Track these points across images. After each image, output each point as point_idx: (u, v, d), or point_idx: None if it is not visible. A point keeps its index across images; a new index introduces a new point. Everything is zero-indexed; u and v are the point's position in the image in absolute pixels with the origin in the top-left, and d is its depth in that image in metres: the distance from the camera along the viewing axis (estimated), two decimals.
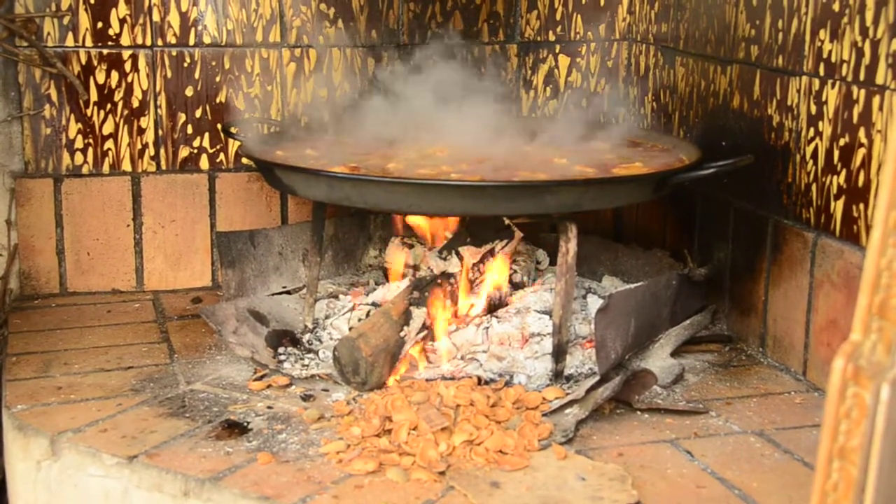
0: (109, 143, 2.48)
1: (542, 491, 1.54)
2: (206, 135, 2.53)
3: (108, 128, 2.47)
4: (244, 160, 2.52)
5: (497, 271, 2.13)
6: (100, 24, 2.42)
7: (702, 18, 2.35)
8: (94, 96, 2.45)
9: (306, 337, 2.13)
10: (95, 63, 2.44)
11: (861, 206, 1.80)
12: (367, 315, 2.06)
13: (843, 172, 1.85)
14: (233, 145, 2.53)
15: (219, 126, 2.50)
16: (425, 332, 1.99)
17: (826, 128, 1.89)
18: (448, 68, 2.42)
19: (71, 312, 2.37)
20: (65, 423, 1.77)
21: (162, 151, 2.51)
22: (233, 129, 2.30)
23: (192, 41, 2.48)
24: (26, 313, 2.36)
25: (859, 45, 1.79)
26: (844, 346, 0.98)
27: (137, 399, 1.88)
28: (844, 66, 1.83)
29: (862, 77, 1.79)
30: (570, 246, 1.88)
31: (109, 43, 2.44)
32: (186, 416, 1.81)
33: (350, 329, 2.04)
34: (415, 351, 1.97)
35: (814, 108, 1.93)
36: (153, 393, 1.91)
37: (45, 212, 2.46)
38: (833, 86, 1.87)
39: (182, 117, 2.51)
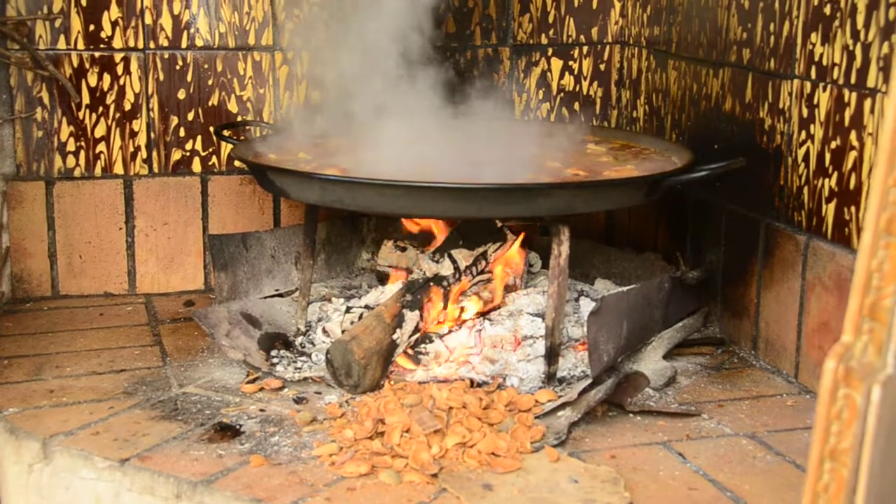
0: (101, 146, 2.47)
1: (535, 493, 1.54)
2: (199, 138, 2.53)
3: (100, 131, 2.47)
4: (237, 163, 2.52)
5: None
6: (92, 27, 2.42)
7: (694, 22, 2.35)
8: (85, 99, 2.44)
9: (299, 340, 2.13)
10: (87, 66, 2.43)
11: (853, 208, 1.81)
12: (360, 318, 2.06)
13: (835, 175, 1.85)
14: (225, 148, 2.53)
15: (211, 129, 2.50)
16: (417, 334, 1.99)
17: (818, 131, 1.90)
18: (440, 71, 2.42)
19: (63, 315, 2.37)
20: (56, 426, 1.77)
21: (154, 154, 2.51)
22: (225, 132, 2.30)
23: (184, 44, 2.48)
24: (18, 316, 2.36)
25: (850, 48, 1.79)
26: (836, 348, 0.98)
27: (129, 402, 1.88)
28: (836, 69, 1.84)
29: (853, 80, 1.79)
30: (562, 249, 1.88)
31: (101, 46, 2.44)
32: (179, 418, 1.80)
33: (343, 332, 2.04)
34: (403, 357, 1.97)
35: (805, 112, 1.94)
36: (145, 396, 1.91)
37: (36, 215, 2.45)
38: (825, 89, 1.87)
39: (174, 120, 2.51)
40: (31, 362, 2.07)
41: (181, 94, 2.50)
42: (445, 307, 2.06)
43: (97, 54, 2.44)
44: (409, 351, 2.00)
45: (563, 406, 1.79)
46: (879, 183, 0.97)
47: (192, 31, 2.48)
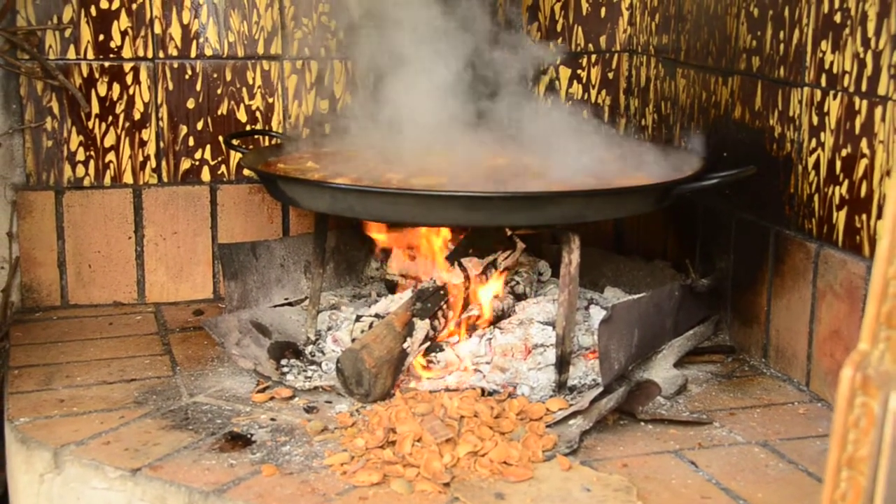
0: (111, 156, 2.48)
1: (547, 502, 1.54)
2: (208, 147, 2.53)
3: (109, 140, 2.47)
4: (246, 172, 2.53)
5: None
6: (101, 37, 2.43)
7: (703, 30, 2.35)
8: (95, 109, 2.45)
9: (309, 349, 2.13)
10: (97, 75, 2.44)
11: (864, 216, 1.81)
12: (370, 326, 2.06)
13: (846, 183, 1.85)
14: (234, 157, 2.53)
15: (220, 138, 2.51)
16: (428, 343, 1.99)
17: (828, 138, 1.90)
18: (448, 78, 2.43)
19: (72, 325, 2.37)
20: (67, 435, 1.77)
21: (163, 163, 2.51)
22: (234, 142, 2.30)
23: (193, 53, 2.49)
24: (28, 326, 2.36)
25: (861, 56, 1.79)
26: (853, 356, 0.98)
27: (140, 411, 1.88)
28: (846, 77, 1.84)
29: (864, 88, 1.79)
30: (573, 257, 1.88)
31: (111, 55, 2.44)
32: (189, 428, 1.80)
33: (353, 340, 2.04)
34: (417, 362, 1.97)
35: (816, 119, 1.93)
36: (156, 405, 1.91)
37: (46, 224, 2.46)
38: (835, 97, 1.87)
39: (183, 129, 2.51)
40: (42, 372, 2.07)
41: (190, 104, 2.50)
42: (457, 315, 2.06)
43: (107, 64, 2.44)
44: (420, 360, 1.99)
45: (574, 415, 1.79)
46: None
47: (201, 40, 2.49)
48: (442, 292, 2.05)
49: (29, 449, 1.74)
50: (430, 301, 2.01)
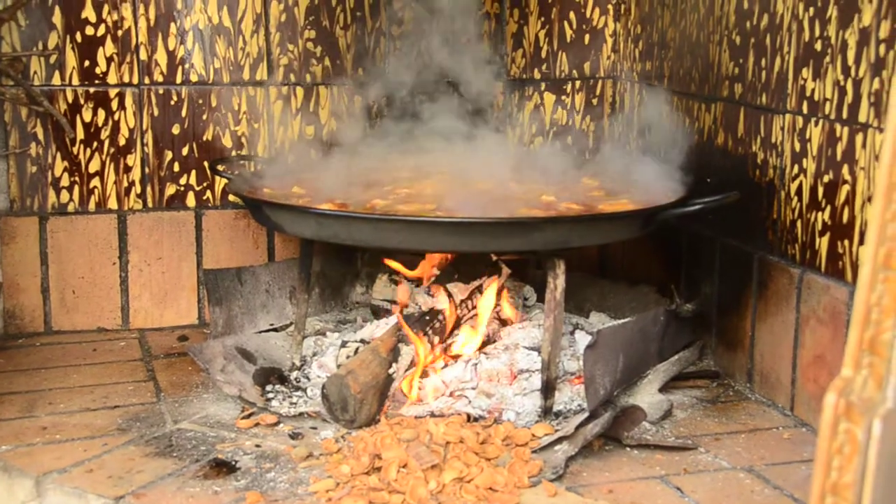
0: (95, 181, 2.47)
1: None
2: (193, 172, 2.53)
3: (94, 166, 2.47)
4: (231, 198, 2.53)
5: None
6: (87, 63, 2.43)
7: (686, 57, 2.37)
8: (80, 134, 2.45)
9: (294, 374, 2.12)
10: (82, 101, 2.44)
11: (846, 242, 1.82)
12: (355, 352, 2.05)
13: (828, 209, 1.86)
14: (219, 183, 2.53)
15: (206, 164, 2.51)
16: (413, 368, 1.99)
17: (810, 165, 1.91)
18: (433, 105, 2.44)
19: (56, 351, 2.36)
20: (50, 463, 1.75)
21: (148, 189, 2.51)
22: (220, 167, 2.30)
23: (179, 79, 2.49)
24: (10, 352, 2.34)
25: (842, 83, 1.81)
26: (836, 382, 0.98)
27: (124, 438, 1.87)
28: (827, 104, 1.85)
29: (845, 115, 1.81)
30: (558, 282, 1.89)
31: (96, 81, 2.44)
32: (174, 455, 1.79)
33: (338, 366, 2.03)
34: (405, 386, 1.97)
35: (798, 146, 1.95)
36: (140, 432, 1.90)
37: (30, 250, 2.45)
38: (816, 123, 1.89)
39: (169, 155, 2.51)
40: (24, 399, 2.05)
41: (175, 129, 2.50)
42: (442, 341, 2.06)
43: (92, 90, 2.44)
44: (406, 385, 1.99)
45: (560, 440, 1.79)
46: (877, 218, 0.98)
47: (186, 66, 2.49)
48: (428, 317, 2.05)
49: (11, 477, 1.73)
50: (416, 326, 2.01)
